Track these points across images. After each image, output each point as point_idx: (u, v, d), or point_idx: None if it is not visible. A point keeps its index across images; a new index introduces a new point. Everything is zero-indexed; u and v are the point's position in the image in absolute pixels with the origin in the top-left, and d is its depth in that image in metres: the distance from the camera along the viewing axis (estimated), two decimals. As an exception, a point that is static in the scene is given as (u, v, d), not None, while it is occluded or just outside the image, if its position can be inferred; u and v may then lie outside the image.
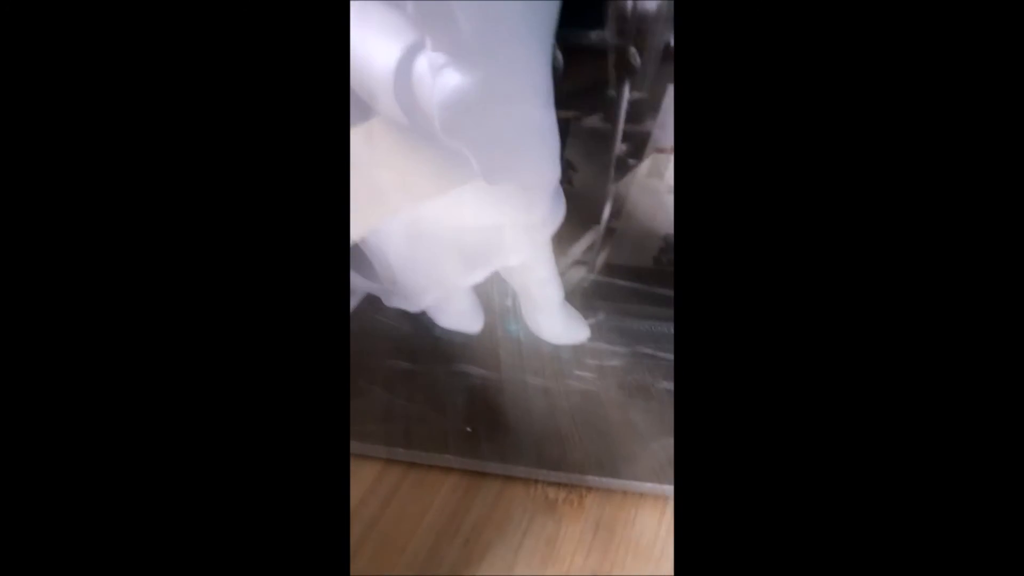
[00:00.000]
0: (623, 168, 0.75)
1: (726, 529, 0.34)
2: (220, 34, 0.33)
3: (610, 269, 0.79)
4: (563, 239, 0.73)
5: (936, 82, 0.31)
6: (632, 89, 0.69)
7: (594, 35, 0.67)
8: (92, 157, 0.33)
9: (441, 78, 0.43)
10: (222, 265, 0.34)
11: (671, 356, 0.74)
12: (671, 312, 0.75)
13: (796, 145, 0.32)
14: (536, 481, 0.70)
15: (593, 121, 0.73)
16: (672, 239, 0.79)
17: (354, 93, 0.49)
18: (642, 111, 0.73)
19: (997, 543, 0.31)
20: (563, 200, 0.62)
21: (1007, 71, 0.30)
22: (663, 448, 0.69)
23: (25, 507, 0.32)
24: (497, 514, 0.68)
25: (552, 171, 0.53)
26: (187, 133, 0.33)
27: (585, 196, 0.76)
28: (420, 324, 0.77)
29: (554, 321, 0.74)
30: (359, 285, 0.73)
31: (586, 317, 0.74)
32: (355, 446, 0.73)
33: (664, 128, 0.74)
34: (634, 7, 0.64)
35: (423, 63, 0.45)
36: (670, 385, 0.72)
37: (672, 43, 0.68)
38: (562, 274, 0.73)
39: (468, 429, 0.72)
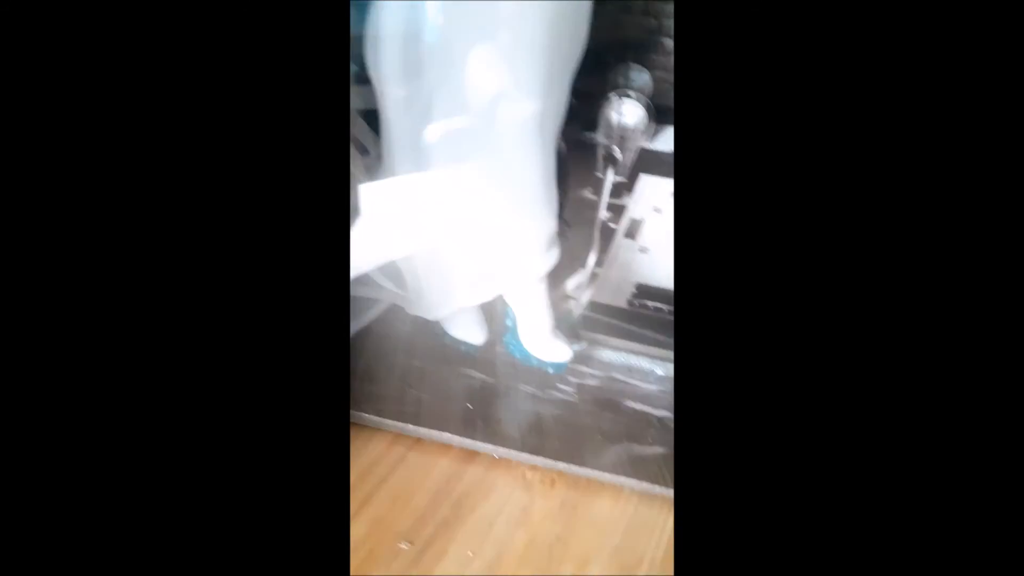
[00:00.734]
0: (606, 231, 0.97)
1: (725, 529, 0.33)
2: (230, 40, 0.33)
3: (593, 306, 0.98)
4: (558, 276, 0.93)
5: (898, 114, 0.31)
6: (615, 174, 0.93)
7: (588, 135, 0.94)
8: (112, 162, 0.32)
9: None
10: (226, 259, 0.34)
11: (640, 383, 0.92)
12: (642, 347, 0.94)
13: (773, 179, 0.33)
14: (518, 464, 0.85)
15: (585, 193, 0.97)
16: (642, 286, 0.98)
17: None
18: (620, 190, 1.00)
19: (991, 538, 0.30)
20: (558, 246, 0.83)
21: (996, 74, 0.30)
22: (625, 450, 0.85)
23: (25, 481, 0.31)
24: (484, 485, 0.83)
25: (551, 223, 0.77)
26: (204, 138, 0.33)
27: (576, 246, 0.96)
28: (433, 332, 0.95)
29: (544, 341, 0.92)
30: (389, 292, 0.91)
31: (571, 344, 0.93)
32: (372, 420, 0.88)
33: (638, 203, 0.97)
34: (619, 119, 0.90)
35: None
36: (637, 405, 0.89)
37: (645, 146, 0.99)
38: (555, 305, 0.92)
39: (469, 406, 0.88)
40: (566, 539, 0.77)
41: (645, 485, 0.81)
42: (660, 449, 0.82)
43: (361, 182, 0.79)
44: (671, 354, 0.92)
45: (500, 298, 0.90)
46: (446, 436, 0.86)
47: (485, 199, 0.77)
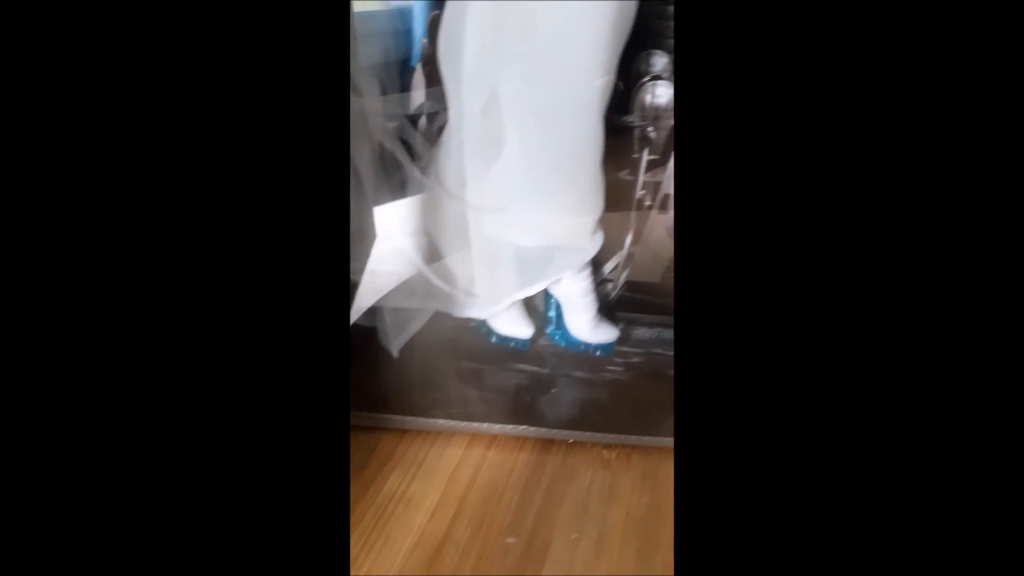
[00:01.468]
0: (641, 210, 1.02)
1: (725, 527, 0.34)
2: (235, 42, 0.33)
3: (629, 285, 1.02)
4: (597, 261, 0.97)
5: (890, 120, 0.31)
6: (649, 153, 0.97)
7: (625, 117, 0.98)
8: (124, 164, 0.32)
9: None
10: (228, 256, 0.34)
11: (672, 353, 0.97)
12: (671, 320, 1.00)
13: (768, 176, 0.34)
14: (593, 444, 0.89)
15: (622, 175, 1.02)
16: (672, 261, 1.04)
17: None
18: (655, 168, 1.03)
19: (988, 533, 0.30)
20: (601, 230, 0.87)
21: (990, 75, 0.30)
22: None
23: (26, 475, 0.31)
24: (566, 470, 0.86)
25: (600, 205, 0.82)
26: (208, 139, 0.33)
27: (613, 228, 1.00)
28: (478, 334, 0.97)
29: (591, 326, 0.96)
30: (434, 299, 0.92)
31: (615, 325, 0.97)
32: (444, 424, 0.90)
33: (671, 180, 1.02)
34: (652, 100, 0.94)
35: None
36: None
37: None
38: (596, 289, 0.96)
39: (529, 398, 0.91)
40: (657, 505, 0.82)
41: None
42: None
43: (408, 191, 0.81)
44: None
45: (540, 292, 0.94)
46: (520, 429, 0.89)
47: (544, 181, 0.80)
